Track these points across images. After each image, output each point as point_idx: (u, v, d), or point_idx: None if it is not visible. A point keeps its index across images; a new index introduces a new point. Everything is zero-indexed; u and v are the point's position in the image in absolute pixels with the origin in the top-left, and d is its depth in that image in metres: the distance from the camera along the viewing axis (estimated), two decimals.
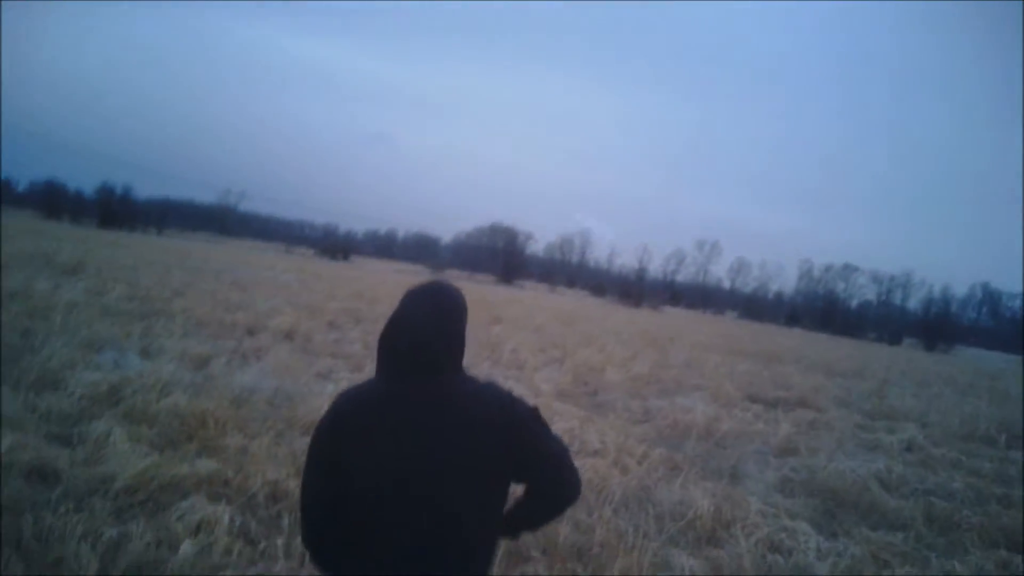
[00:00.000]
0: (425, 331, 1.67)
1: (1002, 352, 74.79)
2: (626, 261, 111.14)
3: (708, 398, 11.18)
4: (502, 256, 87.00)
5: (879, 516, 5.91)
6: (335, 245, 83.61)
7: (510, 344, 14.10)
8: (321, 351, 10.92)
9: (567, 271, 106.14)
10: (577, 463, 5.68)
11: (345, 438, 1.66)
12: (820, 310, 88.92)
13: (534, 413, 1.74)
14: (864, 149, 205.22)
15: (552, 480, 1.75)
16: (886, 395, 14.84)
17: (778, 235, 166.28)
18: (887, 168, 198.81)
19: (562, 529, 4.41)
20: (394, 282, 33.21)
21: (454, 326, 1.74)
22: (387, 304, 20.81)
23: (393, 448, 1.61)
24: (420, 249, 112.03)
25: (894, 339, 71.81)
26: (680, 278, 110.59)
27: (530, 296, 51.28)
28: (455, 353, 1.73)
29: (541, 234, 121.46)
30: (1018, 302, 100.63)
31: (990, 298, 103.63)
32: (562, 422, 7.47)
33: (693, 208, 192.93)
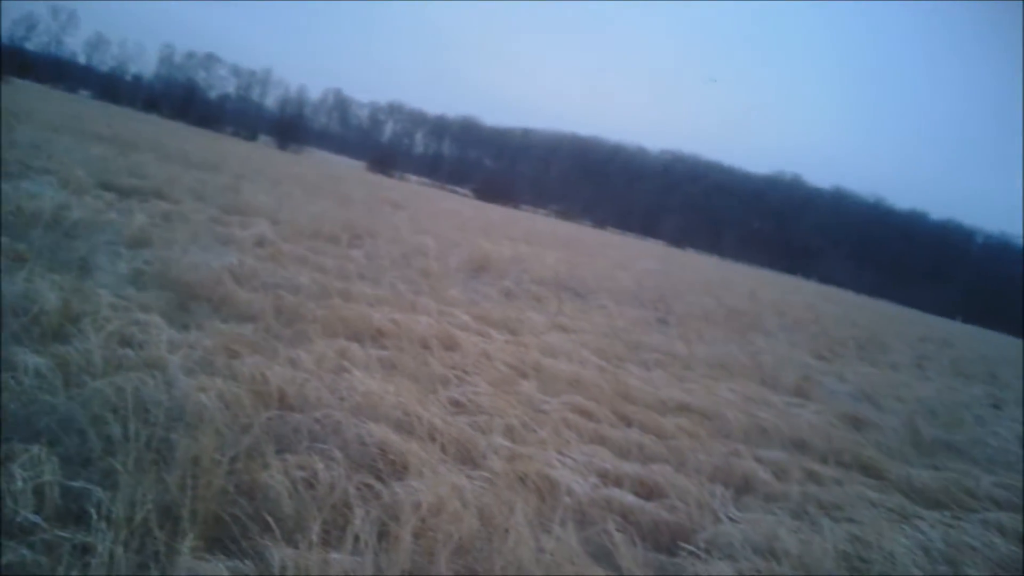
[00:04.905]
0: None
1: (348, 157, 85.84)
2: None
3: (57, 184, 10.01)
4: None
5: (231, 308, 6.29)
6: None
7: None
8: None
9: None
10: None
11: None
12: (179, 98, 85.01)
13: None
14: None
15: None
16: (241, 190, 15.28)
17: (140, 14, 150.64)
18: None
19: None
20: None
21: None
22: None
23: None
24: None
25: (250, 135, 74.27)
26: (31, 47, 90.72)
27: None
28: None
29: None
30: (366, 111, 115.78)
31: (341, 105, 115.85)
32: None
33: None
